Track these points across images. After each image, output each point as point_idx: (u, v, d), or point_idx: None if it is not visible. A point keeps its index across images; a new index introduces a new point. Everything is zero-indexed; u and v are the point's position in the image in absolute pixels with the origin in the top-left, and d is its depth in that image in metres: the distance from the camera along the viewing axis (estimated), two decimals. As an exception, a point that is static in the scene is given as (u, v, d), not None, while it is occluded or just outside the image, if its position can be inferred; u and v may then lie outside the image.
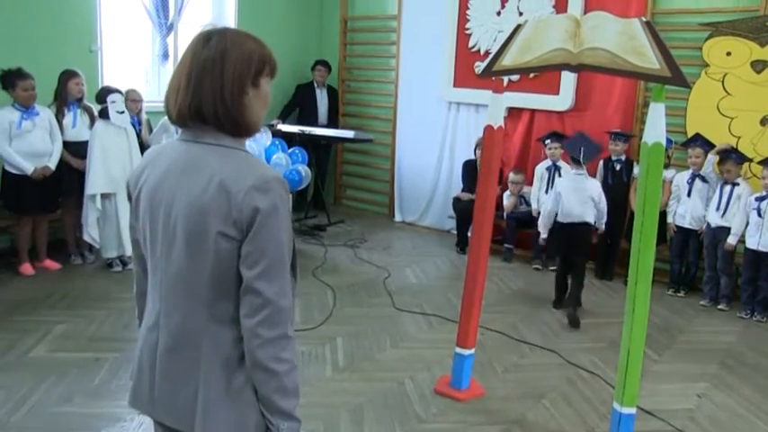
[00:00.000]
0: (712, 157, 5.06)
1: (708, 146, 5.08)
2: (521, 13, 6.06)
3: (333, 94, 7.57)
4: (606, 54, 2.71)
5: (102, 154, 4.93)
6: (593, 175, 5.22)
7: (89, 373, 3.46)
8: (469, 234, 3.65)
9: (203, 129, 1.38)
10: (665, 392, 3.57)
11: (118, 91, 5.07)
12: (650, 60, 2.60)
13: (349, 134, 6.87)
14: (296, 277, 1.44)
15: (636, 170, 5.22)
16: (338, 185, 8.04)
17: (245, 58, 1.36)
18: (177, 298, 1.40)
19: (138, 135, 5.33)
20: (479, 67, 6.28)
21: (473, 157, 6.22)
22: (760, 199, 4.75)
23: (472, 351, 3.43)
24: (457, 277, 5.29)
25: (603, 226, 4.85)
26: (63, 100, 5.07)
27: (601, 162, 5.53)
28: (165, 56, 6.76)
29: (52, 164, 4.90)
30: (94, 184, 4.92)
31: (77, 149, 5.07)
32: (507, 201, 5.97)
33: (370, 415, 3.18)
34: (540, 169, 5.80)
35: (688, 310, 4.95)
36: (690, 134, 5.22)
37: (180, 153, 1.40)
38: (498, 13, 6.28)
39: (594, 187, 4.73)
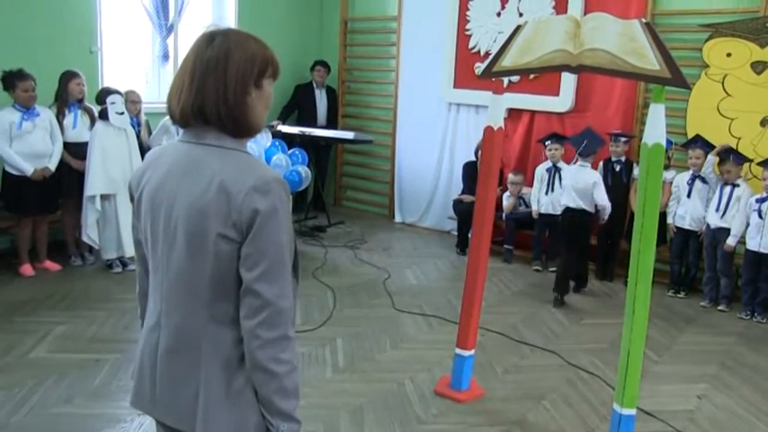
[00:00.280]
0: (712, 158, 5.06)
1: (707, 147, 5.08)
2: (521, 14, 6.07)
3: (332, 94, 7.57)
4: (606, 55, 2.71)
5: (101, 155, 4.93)
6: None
7: (89, 373, 3.46)
8: (470, 235, 3.65)
9: (205, 129, 1.38)
10: (666, 393, 3.57)
11: (117, 92, 5.07)
12: (650, 61, 2.60)
13: (349, 135, 6.87)
14: (298, 278, 1.44)
15: (636, 171, 5.23)
16: (338, 186, 8.04)
17: (248, 58, 1.37)
18: (178, 298, 1.40)
19: (137, 136, 5.33)
20: (479, 68, 6.28)
21: (473, 158, 6.22)
22: (760, 200, 4.74)
23: (472, 352, 3.43)
24: (457, 278, 5.29)
25: (606, 215, 5.04)
26: (64, 101, 5.07)
27: (601, 163, 5.53)
28: (165, 57, 6.77)
29: (52, 165, 4.90)
30: (94, 185, 4.92)
31: (78, 150, 5.07)
32: (507, 201, 5.97)
33: (371, 416, 3.18)
34: (540, 170, 5.80)
35: (688, 311, 4.95)
36: (690, 135, 5.22)
37: (181, 154, 1.40)
38: (498, 14, 6.28)
39: (590, 176, 4.97)
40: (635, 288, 2.70)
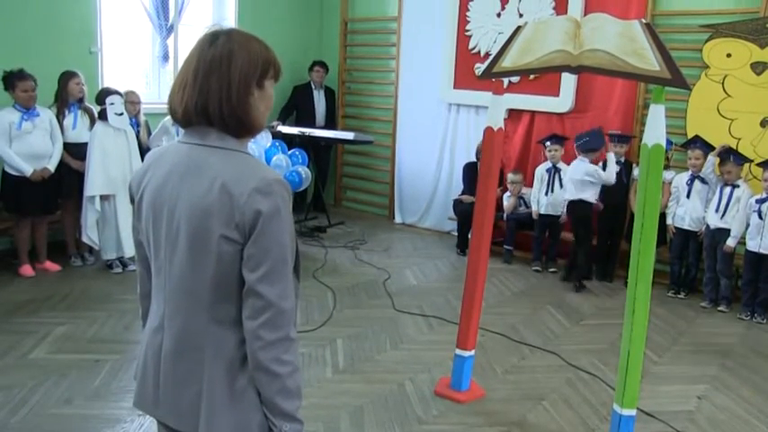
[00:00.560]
0: (713, 159, 5.06)
1: (707, 148, 5.08)
2: (521, 15, 6.07)
3: (330, 95, 7.57)
4: (606, 56, 2.71)
5: (101, 155, 4.93)
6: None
7: (89, 374, 3.46)
8: (470, 236, 3.65)
9: (206, 130, 1.38)
10: (666, 394, 3.56)
11: (117, 93, 5.07)
12: (650, 62, 2.60)
13: (349, 136, 6.88)
14: (299, 278, 1.44)
15: (635, 172, 5.23)
16: (338, 187, 8.04)
17: (251, 59, 1.37)
18: (180, 301, 1.40)
19: (136, 137, 5.33)
20: (479, 68, 6.28)
21: (474, 159, 6.22)
22: (760, 201, 4.74)
23: (472, 353, 3.43)
24: (457, 279, 5.29)
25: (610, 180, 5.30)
26: (63, 101, 5.07)
27: (600, 163, 5.52)
28: (165, 57, 6.77)
29: (51, 165, 4.90)
30: (93, 185, 4.92)
31: (78, 151, 5.07)
32: (507, 202, 5.97)
33: (371, 416, 3.18)
34: (540, 171, 5.80)
35: (688, 311, 4.95)
36: (690, 136, 5.22)
37: (182, 155, 1.40)
38: (498, 15, 6.28)
39: (587, 167, 5.28)
40: (635, 288, 2.70)
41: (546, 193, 5.72)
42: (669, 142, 4.90)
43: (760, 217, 4.72)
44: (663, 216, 5.03)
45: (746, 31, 5.06)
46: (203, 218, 1.33)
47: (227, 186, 1.32)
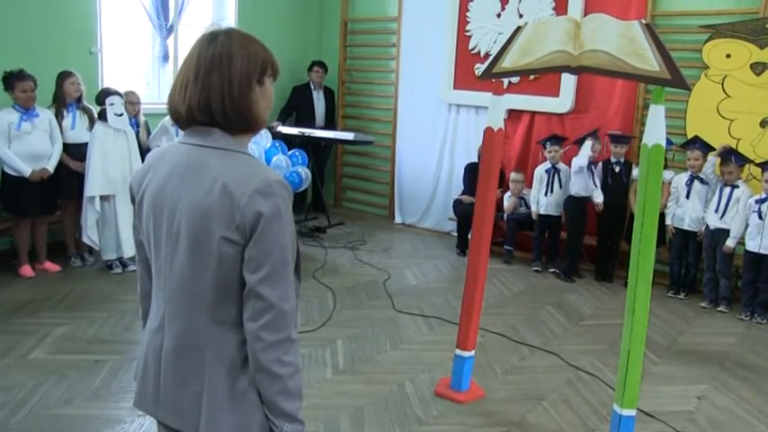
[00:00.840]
0: (714, 159, 5.05)
1: (706, 148, 5.08)
2: (521, 15, 6.07)
3: (330, 95, 7.56)
4: (606, 56, 2.71)
5: (101, 156, 4.93)
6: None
7: (89, 375, 3.46)
8: (470, 236, 3.66)
9: (208, 130, 1.38)
10: (665, 394, 3.57)
11: (117, 93, 5.07)
12: (650, 62, 2.61)
13: (349, 136, 6.87)
14: (299, 279, 1.44)
15: (635, 172, 5.23)
16: (338, 187, 8.04)
17: (251, 57, 1.38)
18: (180, 301, 1.41)
19: (136, 137, 5.33)
20: (479, 69, 6.28)
21: (475, 159, 6.21)
22: (760, 201, 4.75)
23: (472, 353, 3.43)
24: (457, 279, 5.29)
25: (598, 198, 5.46)
26: (61, 101, 5.07)
27: (600, 164, 5.53)
28: (165, 58, 6.77)
29: (51, 166, 4.90)
30: (93, 185, 4.92)
31: (77, 151, 5.07)
32: (508, 202, 5.97)
33: (371, 417, 3.18)
34: (540, 171, 5.80)
35: (688, 311, 4.95)
36: (690, 136, 5.22)
37: (182, 156, 1.40)
38: (498, 15, 6.29)
39: (576, 161, 5.46)
40: (635, 289, 2.70)
41: (545, 194, 5.73)
42: (669, 142, 4.90)
43: (760, 217, 4.73)
44: (662, 216, 5.03)
45: (746, 31, 5.06)
46: (204, 219, 1.33)
47: (227, 187, 1.32)
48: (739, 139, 5.14)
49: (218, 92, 1.35)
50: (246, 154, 1.41)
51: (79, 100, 5.15)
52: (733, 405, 3.49)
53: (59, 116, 5.05)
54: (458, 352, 3.42)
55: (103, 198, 5.00)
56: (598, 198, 5.45)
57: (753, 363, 4.06)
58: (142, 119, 5.64)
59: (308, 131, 6.83)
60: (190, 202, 1.35)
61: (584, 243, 5.71)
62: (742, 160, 4.91)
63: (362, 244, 6.37)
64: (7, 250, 5.32)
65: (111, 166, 4.97)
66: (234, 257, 1.33)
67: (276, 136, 6.56)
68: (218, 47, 1.36)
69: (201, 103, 1.35)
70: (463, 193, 6.27)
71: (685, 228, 5.16)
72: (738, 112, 5.16)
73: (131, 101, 5.46)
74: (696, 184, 5.10)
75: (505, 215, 5.96)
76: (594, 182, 5.47)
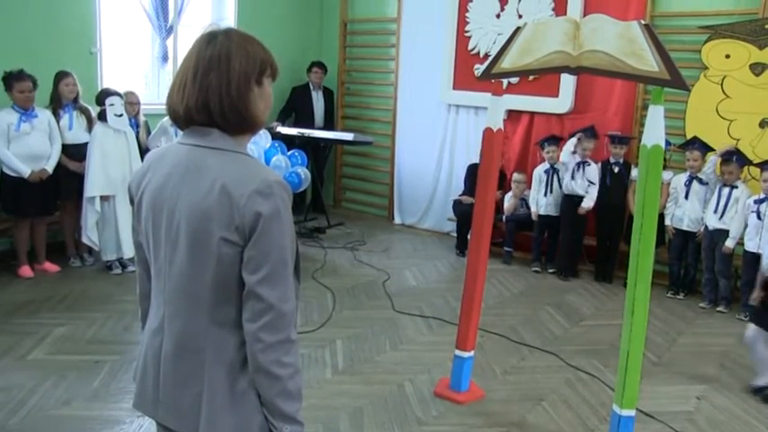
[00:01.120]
0: (715, 158, 5.05)
1: (705, 149, 5.08)
2: (520, 16, 6.07)
3: (329, 95, 7.56)
4: (605, 57, 2.71)
5: (101, 156, 4.93)
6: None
7: (88, 375, 3.46)
8: (469, 237, 3.66)
9: (207, 130, 1.38)
10: (665, 395, 3.57)
11: (117, 93, 5.07)
12: (649, 63, 2.61)
13: (348, 137, 6.88)
14: (299, 280, 1.44)
15: (634, 173, 5.23)
16: (338, 188, 8.04)
17: (250, 57, 1.38)
18: (180, 302, 1.40)
19: (136, 137, 5.33)
20: (479, 69, 6.28)
21: (474, 160, 6.20)
22: (759, 201, 4.75)
23: (472, 353, 3.43)
24: (456, 280, 5.28)
25: (585, 203, 5.51)
26: (57, 102, 5.07)
27: (599, 164, 5.54)
28: (165, 58, 6.77)
29: (50, 167, 4.90)
30: (94, 186, 4.92)
31: (76, 152, 5.07)
32: (508, 202, 5.97)
33: (370, 417, 3.18)
34: (539, 172, 5.81)
35: (687, 312, 4.95)
36: (689, 137, 5.22)
37: (181, 157, 1.40)
38: (498, 16, 6.29)
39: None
40: (634, 289, 2.70)
41: (545, 194, 5.73)
42: (667, 142, 4.90)
43: (758, 217, 4.72)
44: (661, 217, 5.03)
45: (745, 32, 5.06)
46: (203, 220, 1.33)
47: (227, 188, 1.32)
48: (738, 140, 5.14)
49: (217, 92, 1.35)
50: (245, 154, 1.40)
51: (75, 101, 5.14)
52: (732, 405, 3.49)
53: (56, 117, 5.05)
54: (457, 352, 3.42)
55: (103, 198, 5.00)
56: (585, 203, 5.48)
57: (752, 363, 4.05)
58: (142, 119, 5.63)
59: (307, 132, 6.83)
60: (189, 203, 1.35)
61: (584, 243, 5.71)
62: (744, 161, 4.91)
63: (362, 244, 6.37)
64: (6, 251, 5.31)
65: (111, 167, 4.97)
66: (233, 258, 1.33)
67: (275, 136, 6.55)
68: (217, 47, 1.36)
69: (200, 102, 1.35)
70: (463, 193, 6.28)
71: (684, 228, 5.17)
72: (738, 113, 5.16)
73: (131, 101, 5.46)
74: (695, 184, 5.10)
75: (504, 216, 5.96)
76: (589, 182, 5.46)
